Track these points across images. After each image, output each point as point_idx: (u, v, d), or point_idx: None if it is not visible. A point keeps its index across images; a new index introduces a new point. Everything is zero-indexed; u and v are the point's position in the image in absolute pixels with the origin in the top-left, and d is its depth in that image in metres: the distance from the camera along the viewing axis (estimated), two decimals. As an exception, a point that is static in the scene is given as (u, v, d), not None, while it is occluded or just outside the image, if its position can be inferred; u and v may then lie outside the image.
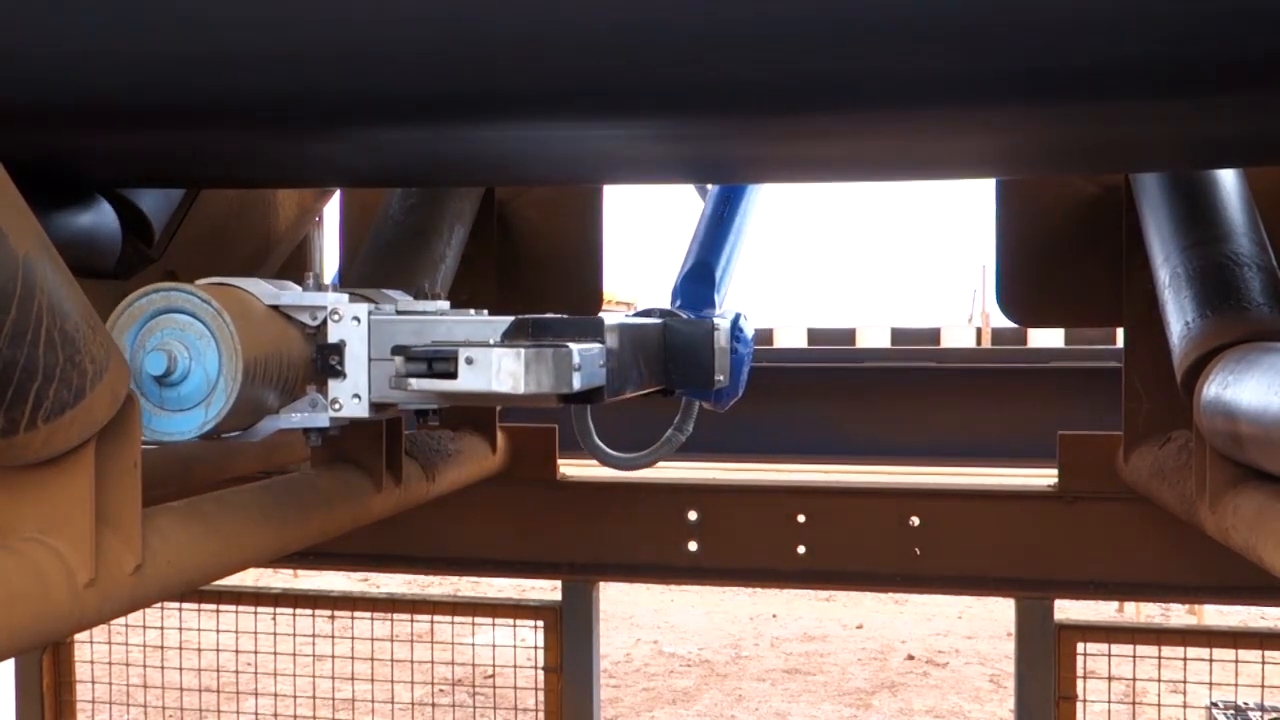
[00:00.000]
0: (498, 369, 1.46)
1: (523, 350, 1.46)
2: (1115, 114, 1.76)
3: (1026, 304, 3.24)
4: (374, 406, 1.67)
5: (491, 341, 1.50)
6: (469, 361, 1.47)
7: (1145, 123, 1.84)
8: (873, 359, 4.73)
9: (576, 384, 1.50)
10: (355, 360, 1.65)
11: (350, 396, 1.66)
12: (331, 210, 3.62)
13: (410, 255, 2.73)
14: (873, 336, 16.17)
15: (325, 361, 1.66)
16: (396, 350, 1.57)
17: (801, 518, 3.26)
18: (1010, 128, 1.92)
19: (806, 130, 1.93)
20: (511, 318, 1.60)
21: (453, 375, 1.48)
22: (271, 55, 1.66)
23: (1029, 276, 3.19)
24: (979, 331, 18.23)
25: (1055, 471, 3.17)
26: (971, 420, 3.96)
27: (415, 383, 1.52)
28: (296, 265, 3.62)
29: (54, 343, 1.25)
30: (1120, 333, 3.19)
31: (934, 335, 17.78)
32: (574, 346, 1.51)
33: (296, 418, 1.67)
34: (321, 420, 1.68)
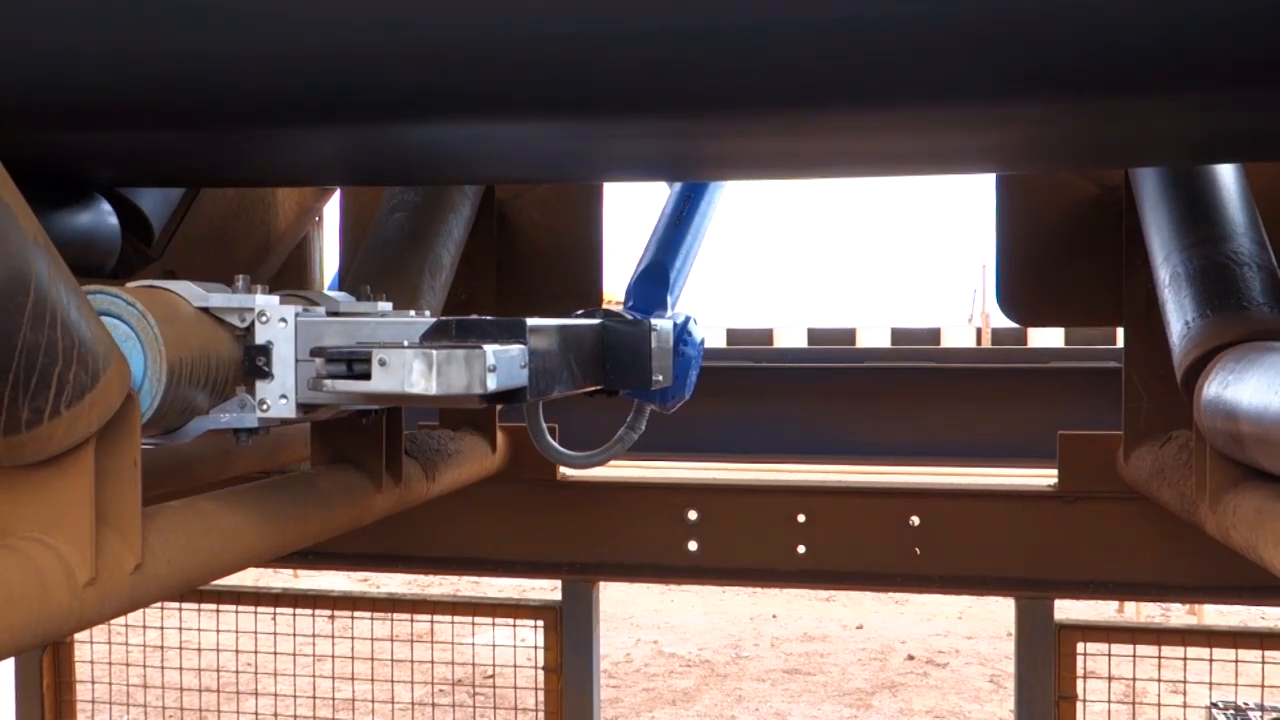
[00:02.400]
0: (409, 370, 1.47)
1: (434, 352, 1.47)
2: (1115, 109, 1.76)
3: (1027, 304, 3.23)
4: (301, 407, 1.68)
5: (405, 344, 1.51)
6: (382, 363, 1.49)
7: (1145, 118, 1.84)
8: (873, 359, 4.72)
9: (491, 385, 1.51)
10: (282, 361, 1.67)
11: (278, 397, 1.67)
12: (331, 210, 3.62)
13: (409, 254, 2.73)
14: (873, 336, 16.20)
15: (253, 363, 1.67)
16: (315, 352, 1.59)
17: (801, 517, 3.26)
18: (1009, 123, 1.92)
19: (812, 127, 1.94)
20: (434, 319, 1.61)
21: (369, 376, 1.50)
22: (271, 55, 1.67)
23: (1029, 276, 3.19)
24: (979, 331, 18.26)
25: (1055, 471, 3.17)
26: (972, 420, 3.96)
27: (330, 384, 1.54)
28: (297, 264, 3.63)
29: (69, 326, 1.28)
30: (1120, 332, 3.19)
31: (934, 335, 17.81)
32: (489, 348, 1.52)
33: (225, 418, 1.68)
34: (250, 421, 1.69)
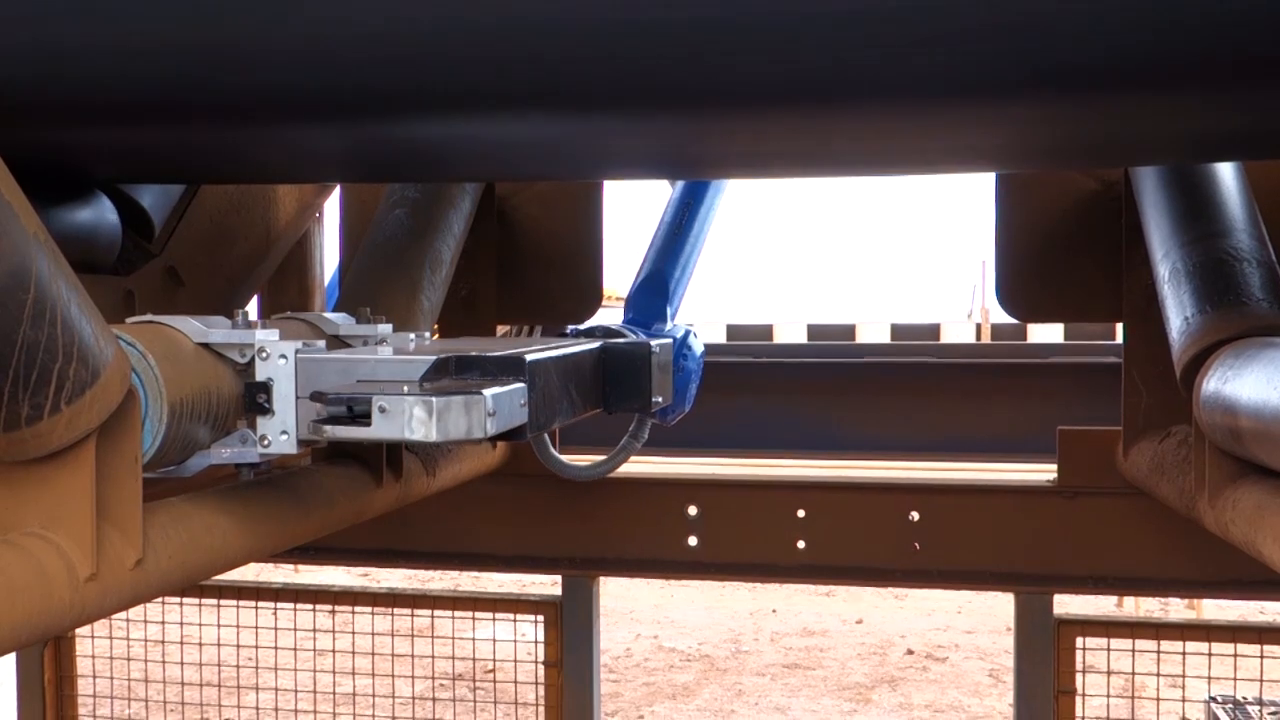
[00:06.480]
0: (409, 418, 1.48)
1: (433, 400, 1.48)
2: (1115, 109, 1.76)
3: (1026, 300, 3.24)
4: (303, 443, 1.69)
5: (406, 390, 1.52)
6: (382, 410, 1.49)
7: (1146, 118, 1.84)
8: (873, 355, 4.73)
9: (491, 429, 1.52)
10: (283, 398, 1.67)
11: (279, 434, 1.68)
12: (332, 206, 3.62)
13: (409, 250, 2.73)
14: (873, 332, 16.15)
15: (254, 399, 1.67)
16: (315, 397, 1.59)
17: (801, 513, 3.27)
18: (1011, 123, 1.92)
19: (813, 124, 1.94)
20: (433, 357, 1.61)
21: (369, 419, 1.51)
22: (272, 52, 1.67)
23: (1029, 272, 3.19)
24: (979, 327, 18.20)
25: (1055, 466, 3.17)
26: (971, 415, 3.96)
27: (330, 430, 1.54)
28: (297, 261, 3.63)
29: (69, 322, 1.28)
30: (1120, 328, 3.19)
31: (934, 331, 17.76)
32: (488, 393, 1.52)
33: (227, 453, 1.69)
34: (252, 456, 1.69)
